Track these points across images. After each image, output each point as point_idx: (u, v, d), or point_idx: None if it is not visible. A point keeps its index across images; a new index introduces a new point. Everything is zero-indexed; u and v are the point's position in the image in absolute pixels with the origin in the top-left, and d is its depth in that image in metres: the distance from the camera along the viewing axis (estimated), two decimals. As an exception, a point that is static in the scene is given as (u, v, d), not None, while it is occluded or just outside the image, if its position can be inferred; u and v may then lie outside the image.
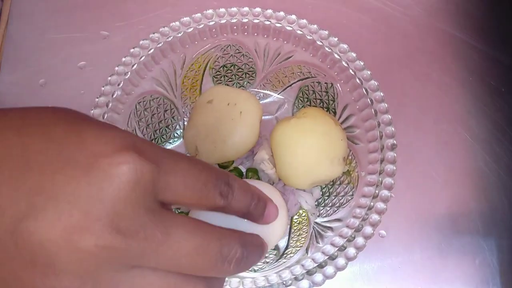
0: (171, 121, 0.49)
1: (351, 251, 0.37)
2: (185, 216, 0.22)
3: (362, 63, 0.43)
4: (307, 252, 0.40)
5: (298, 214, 0.45)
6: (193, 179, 0.22)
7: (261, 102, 0.51)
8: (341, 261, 0.37)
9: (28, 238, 0.17)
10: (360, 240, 0.37)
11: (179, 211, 0.45)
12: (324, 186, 0.46)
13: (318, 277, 0.36)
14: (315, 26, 0.44)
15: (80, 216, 0.18)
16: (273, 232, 0.40)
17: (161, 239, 0.20)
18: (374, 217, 0.38)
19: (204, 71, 0.48)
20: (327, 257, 0.37)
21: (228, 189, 0.24)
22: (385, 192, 0.39)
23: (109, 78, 0.42)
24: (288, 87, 0.49)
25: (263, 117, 0.50)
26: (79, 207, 0.18)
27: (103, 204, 0.18)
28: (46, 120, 0.20)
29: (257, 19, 0.45)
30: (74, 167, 0.18)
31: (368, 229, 0.38)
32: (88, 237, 0.18)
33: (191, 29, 0.45)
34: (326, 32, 0.44)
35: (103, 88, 0.42)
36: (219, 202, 0.23)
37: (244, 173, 0.46)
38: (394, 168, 0.40)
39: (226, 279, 0.37)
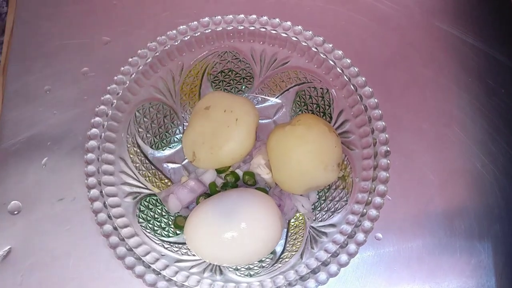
0: (171, 126, 0.50)
1: (343, 257, 0.38)
2: None
3: (356, 69, 0.43)
4: (301, 257, 0.41)
5: (295, 217, 0.47)
6: None
7: (259, 106, 0.51)
8: (333, 267, 0.38)
9: None
10: (352, 247, 0.38)
11: (178, 214, 0.46)
12: (320, 190, 0.47)
13: (311, 283, 0.37)
14: (310, 32, 0.45)
15: None
16: (270, 239, 0.41)
17: None
18: (367, 224, 0.39)
19: (202, 77, 0.49)
20: (320, 263, 0.38)
21: None
22: (378, 199, 0.39)
23: (108, 87, 0.43)
24: (285, 91, 0.50)
25: (261, 121, 0.51)
26: None
27: None
28: None
29: (253, 26, 0.45)
30: None
31: (360, 236, 0.39)
32: None
33: (188, 37, 0.45)
34: (321, 39, 0.44)
35: (102, 98, 0.43)
36: None
37: (241, 177, 0.47)
38: (387, 175, 0.40)
39: (222, 283, 0.39)
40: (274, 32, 0.45)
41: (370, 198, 0.40)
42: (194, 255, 0.42)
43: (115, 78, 0.44)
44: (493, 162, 0.51)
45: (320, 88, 0.47)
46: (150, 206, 0.45)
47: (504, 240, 0.48)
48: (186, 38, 0.45)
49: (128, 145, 0.45)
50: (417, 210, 0.49)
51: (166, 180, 0.49)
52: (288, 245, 0.44)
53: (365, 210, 0.40)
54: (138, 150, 0.47)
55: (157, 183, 0.48)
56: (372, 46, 0.56)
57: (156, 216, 0.45)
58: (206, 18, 0.45)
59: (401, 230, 0.48)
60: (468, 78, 0.54)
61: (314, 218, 0.45)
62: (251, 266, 0.43)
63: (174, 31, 0.45)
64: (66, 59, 0.56)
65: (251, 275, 0.41)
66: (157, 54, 0.45)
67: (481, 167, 0.51)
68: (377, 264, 0.47)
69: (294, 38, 0.45)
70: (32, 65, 0.56)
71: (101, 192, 0.40)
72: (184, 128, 0.51)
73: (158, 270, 0.39)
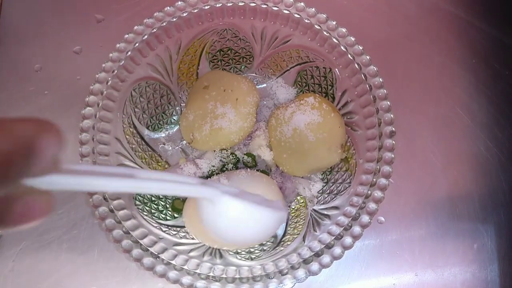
0: (168, 107, 0.48)
1: (347, 240, 0.37)
2: None
3: (361, 48, 0.42)
4: (304, 240, 0.40)
5: (296, 200, 0.45)
6: None
7: (258, 86, 0.50)
8: (337, 250, 0.37)
9: None
10: (357, 229, 0.37)
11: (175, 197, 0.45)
12: (322, 173, 0.46)
13: (314, 266, 0.36)
14: (313, 9, 0.43)
15: None
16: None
17: None
18: (372, 205, 0.38)
19: (200, 55, 0.48)
20: (324, 245, 0.37)
21: None
22: (382, 181, 0.38)
23: (103, 65, 0.42)
24: (286, 71, 0.48)
25: (261, 101, 0.49)
26: None
27: None
28: None
29: (254, 3, 0.43)
30: None
31: (365, 218, 0.37)
32: None
33: (186, 13, 0.43)
34: (324, 16, 0.43)
35: (97, 76, 0.41)
36: None
37: (242, 158, 0.46)
38: (392, 156, 0.39)
39: (222, 267, 0.38)
40: (275, 8, 0.43)
41: (374, 180, 0.39)
42: (193, 238, 0.41)
43: (110, 55, 0.42)
44: (498, 146, 0.50)
45: (323, 68, 0.45)
46: (147, 189, 0.44)
47: (507, 224, 0.47)
48: (184, 15, 0.43)
49: (124, 126, 0.43)
50: (420, 194, 0.48)
51: (163, 163, 0.47)
52: (289, 229, 0.43)
53: (369, 192, 0.38)
54: (134, 131, 0.45)
55: (153, 166, 0.46)
56: (375, 27, 0.55)
57: (153, 199, 0.44)
58: (205, -6, 0.44)
59: (404, 213, 0.47)
60: (472, 60, 0.53)
61: (316, 201, 0.44)
62: (252, 250, 0.41)
63: (172, 7, 0.43)
64: (57, 38, 0.54)
65: (252, 259, 0.40)
66: (154, 30, 0.43)
67: (486, 151, 0.50)
68: (379, 248, 0.46)
69: (296, 15, 0.43)
70: (22, 43, 0.54)
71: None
72: (182, 109, 0.49)
73: (156, 254, 0.37)
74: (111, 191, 0.22)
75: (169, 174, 0.28)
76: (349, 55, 0.42)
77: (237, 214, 0.30)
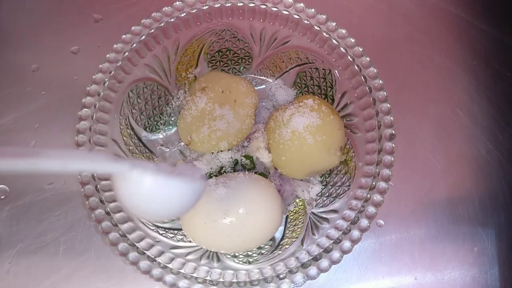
0: (166, 108, 0.48)
1: (346, 244, 0.37)
2: None
3: (361, 49, 0.42)
4: (302, 244, 0.39)
5: (295, 203, 0.45)
6: None
7: (257, 87, 0.49)
8: (336, 254, 0.36)
9: None
10: (355, 233, 0.37)
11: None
12: (321, 176, 0.45)
13: (312, 270, 0.36)
14: (313, 10, 0.43)
15: None
16: (269, 225, 0.40)
17: None
18: (371, 209, 0.37)
19: (198, 56, 0.47)
20: (322, 249, 0.37)
21: None
22: (382, 184, 0.38)
23: (100, 66, 0.41)
24: (285, 72, 0.48)
25: (260, 103, 0.49)
26: None
27: None
28: None
29: (253, 3, 0.43)
30: None
31: (364, 222, 0.37)
32: None
33: (184, 14, 0.43)
34: (324, 17, 0.42)
35: (94, 77, 0.41)
36: None
37: (240, 161, 0.46)
38: (392, 159, 0.39)
39: (220, 271, 0.37)
40: (275, 9, 0.43)
41: (374, 183, 0.38)
42: (190, 241, 0.41)
43: (108, 56, 0.41)
44: (498, 149, 0.49)
45: (322, 69, 0.45)
46: (144, 191, 0.43)
47: (507, 227, 0.47)
48: (182, 15, 0.43)
49: (121, 127, 0.43)
50: (420, 196, 0.48)
51: (160, 164, 0.47)
52: (287, 232, 0.43)
53: (369, 195, 0.38)
54: (131, 132, 0.45)
55: (151, 167, 0.46)
56: (375, 27, 0.54)
57: (150, 201, 0.43)
58: (204, -6, 0.43)
59: (403, 216, 0.47)
60: (473, 61, 0.53)
61: (314, 204, 0.44)
62: (249, 253, 0.41)
63: (170, 8, 0.43)
64: (54, 38, 0.53)
65: (249, 262, 0.40)
66: (152, 31, 0.42)
67: (486, 153, 0.49)
68: (378, 252, 0.46)
69: (296, 16, 0.43)
70: (19, 43, 0.53)
71: (92, 175, 0.38)
72: (180, 110, 0.49)
73: (153, 257, 0.37)
74: (5, 169, 0.21)
75: (79, 152, 0.28)
76: (349, 57, 0.42)
77: (147, 188, 0.28)
